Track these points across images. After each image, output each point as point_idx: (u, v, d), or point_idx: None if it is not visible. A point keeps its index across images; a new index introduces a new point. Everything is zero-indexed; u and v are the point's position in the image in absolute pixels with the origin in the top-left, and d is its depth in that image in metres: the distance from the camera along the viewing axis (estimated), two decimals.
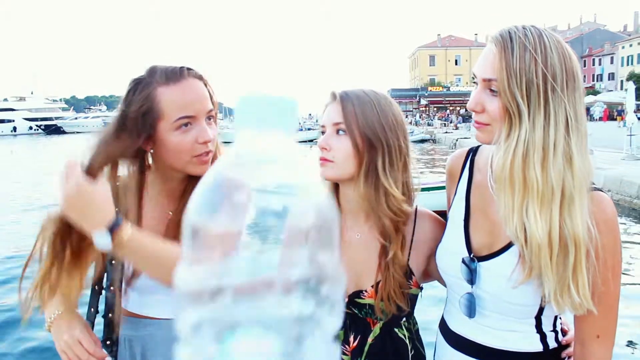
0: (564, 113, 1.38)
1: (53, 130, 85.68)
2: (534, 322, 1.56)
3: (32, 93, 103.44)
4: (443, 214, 1.83)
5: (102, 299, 1.86)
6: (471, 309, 1.59)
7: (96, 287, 1.82)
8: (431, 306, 2.51)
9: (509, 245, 1.51)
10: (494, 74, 1.43)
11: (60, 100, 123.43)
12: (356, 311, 1.79)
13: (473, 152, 1.76)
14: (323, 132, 1.77)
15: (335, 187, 1.82)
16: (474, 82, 1.53)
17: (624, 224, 11.59)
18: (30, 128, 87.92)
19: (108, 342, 1.75)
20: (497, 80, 1.42)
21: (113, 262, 1.71)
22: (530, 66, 1.38)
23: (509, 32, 1.43)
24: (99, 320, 1.79)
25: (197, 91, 1.64)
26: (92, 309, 1.79)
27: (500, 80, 1.41)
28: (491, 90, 1.45)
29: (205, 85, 1.69)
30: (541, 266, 1.38)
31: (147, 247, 1.45)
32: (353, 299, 1.78)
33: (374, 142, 1.69)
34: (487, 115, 1.47)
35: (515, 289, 1.48)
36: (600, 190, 1.49)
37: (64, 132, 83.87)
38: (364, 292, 1.77)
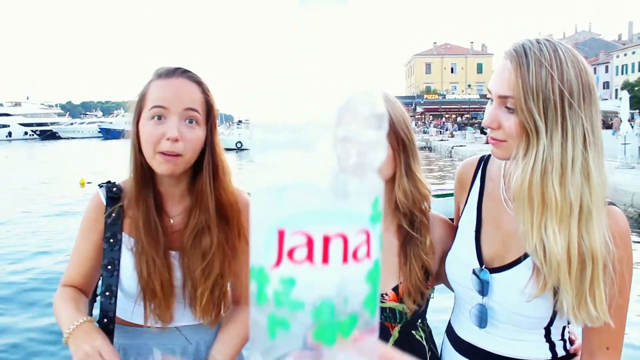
0: (582, 128, 1.37)
1: (48, 135, 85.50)
2: (543, 332, 1.56)
3: (27, 98, 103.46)
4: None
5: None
6: (482, 320, 1.60)
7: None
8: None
9: (521, 258, 1.51)
10: (510, 91, 1.41)
11: (56, 105, 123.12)
12: None
13: (485, 160, 1.76)
14: None
15: None
16: (489, 98, 1.53)
17: None
18: (26, 133, 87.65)
19: None
20: (513, 97, 1.41)
21: (109, 267, 1.70)
22: (547, 83, 1.36)
23: (524, 48, 1.42)
24: None
25: (180, 88, 1.65)
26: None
27: (516, 97, 1.40)
28: (507, 108, 1.44)
29: (201, 89, 1.70)
30: (560, 281, 1.38)
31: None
32: None
33: (405, 141, 1.73)
34: (503, 132, 1.47)
35: (529, 302, 1.48)
36: (614, 204, 1.49)
37: (59, 138, 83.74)
38: (384, 295, 1.77)
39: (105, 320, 1.70)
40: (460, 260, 1.66)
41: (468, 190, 1.74)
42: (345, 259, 0.43)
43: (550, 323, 1.54)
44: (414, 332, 1.82)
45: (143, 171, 1.69)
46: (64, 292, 1.74)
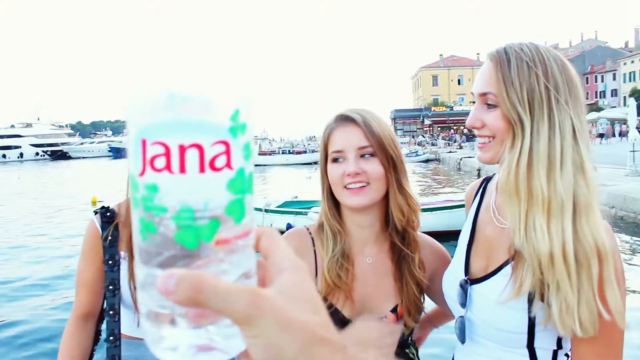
0: (570, 122, 1.37)
1: (59, 155, 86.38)
2: (526, 352, 1.46)
3: (38, 119, 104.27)
4: (445, 235, 1.84)
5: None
6: (462, 334, 1.57)
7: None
8: None
9: (500, 268, 1.49)
10: (490, 87, 1.44)
11: (66, 126, 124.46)
12: None
13: (487, 180, 1.76)
14: (338, 159, 1.74)
15: (339, 216, 1.82)
16: (473, 102, 1.53)
17: (629, 240, 11.53)
18: (37, 154, 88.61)
19: None
20: (493, 92, 1.43)
21: (110, 287, 1.78)
22: (530, 75, 1.38)
23: (505, 48, 1.45)
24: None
25: None
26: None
27: (497, 91, 1.42)
28: (488, 105, 1.46)
29: None
30: (557, 281, 1.30)
31: None
32: None
33: (395, 160, 1.72)
34: (488, 129, 1.48)
35: (501, 313, 1.44)
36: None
37: (69, 158, 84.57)
38: (384, 318, 1.76)
39: (111, 338, 1.79)
40: (452, 274, 1.65)
41: (470, 207, 1.75)
42: (202, 168, 0.45)
43: (531, 341, 1.44)
44: (407, 350, 1.83)
45: None
46: (73, 342, 1.87)
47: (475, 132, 1.52)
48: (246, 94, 0.48)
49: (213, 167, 0.46)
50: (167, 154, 0.45)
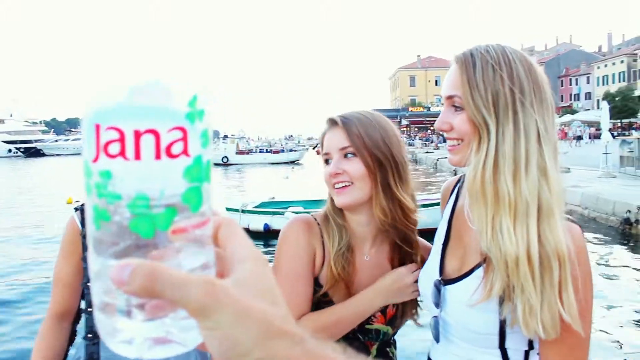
0: (535, 125, 1.36)
1: (33, 152, 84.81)
2: (499, 352, 1.46)
3: (11, 116, 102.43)
4: (427, 232, 1.84)
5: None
6: (437, 333, 1.58)
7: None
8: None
9: (472, 270, 1.50)
10: (456, 90, 1.43)
11: (41, 122, 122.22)
12: (360, 337, 1.79)
13: (464, 178, 1.73)
14: (327, 160, 1.79)
15: (341, 213, 1.83)
16: (442, 103, 1.53)
17: (602, 241, 11.71)
18: (10, 151, 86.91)
19: None
20: (458, 95, 1.43)
21: (89, 284, 1.76)
22: (495, 78, 1.38)
23: (470, 50, 1.45)
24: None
25: None
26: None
27: (463, 93, 1.41)
28: (455, 107, 1.46)
29: None
30: (521, 284, 1.30)
31: None
32: (362, 326, 1.77)
33: (382, 160, 1.73)
34: (455, 132, 1.47)
35: (473, 315, 1.44)
36: (573, 220, 1.42)
37: (44, 155, 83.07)
38: (372, 317, 1.78)
39: (90, 335, 1.78)
40: (427, 274, 1.66)
41: (445, 206, 1.76)
42: (158, 155, 0.44)
43: (502, 342, 1.44)
44: (388, 349, 1.86)
45: None
46: (47, 342, 1.88)
47: (445, 134, 1.52)
48: (206, 80, 0.49)
49: (169, 154, 0.44)
50: (122, 140, 0.43)
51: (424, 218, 1.85)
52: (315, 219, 1.85)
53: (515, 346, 1.46)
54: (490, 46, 1.44)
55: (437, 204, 1.91)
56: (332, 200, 1.82)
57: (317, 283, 1.77)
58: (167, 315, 0.46)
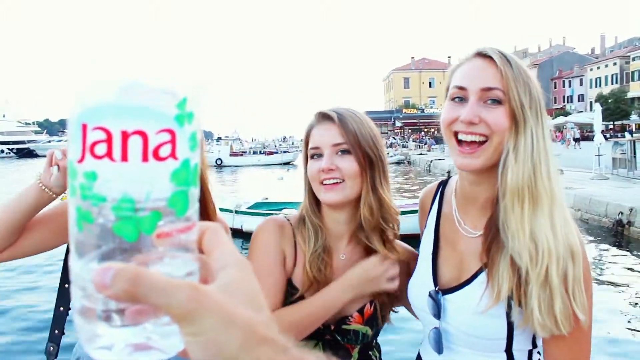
0: (548, 129, 1.42)
1: (26, 153, 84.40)
2: (504, 356, 1.47)
3: (3, 116, 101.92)
4: (415, 238, 1.83)
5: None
6: (439, 344, 1.55)
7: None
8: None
9: (473, 277, 1.49)
10: (497, 82, 1.40)
11: (34, 123, 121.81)
12: (339, 338, 1.76)
13: (443, 184, 1.76)
14: (315, 155, 1.75)
15: (319, 211, 1.81)
16: (453, 99, 1.49)
17: (595, 241, 11.77)
18: (2, 151, 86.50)
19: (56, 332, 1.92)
20: (500, 88, 1.40)
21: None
22: (529, 77, 1.42)
23: (497, 49, 1.44)
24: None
25: None
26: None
27: (505, 87, 1.39)
28: (489, 102, 1.42)
29: None
30: (541, 281, 1.32)
31: None
32: (339, 326, 1.75)
33: (373, 159, 1.72)
34: (484, 127, 1.42)
35: (480, 322, 1.44)
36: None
37: (37, 156, 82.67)
38: (349, 317, 1.75)
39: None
40: (419, 284, 1.64)
41: (427, 214, 1.74)
42: (145, 157, 0.43)
43: (509, 345, 1.45)
44: (370, 352, 1.83)
45: None
46: None
47: (462, 133, 1.46)
48: (196, 82, 0.46)
49: (157, 157, 0.44)
50: (109, 141, 0.43)
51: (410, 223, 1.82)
52: (289, 221, 1.83)
53: (521, 347, 1.48)
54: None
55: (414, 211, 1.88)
56: (310, 198, 1.80)
57: (292, 285, 1.75)
58: (149, 320, 0.45)
